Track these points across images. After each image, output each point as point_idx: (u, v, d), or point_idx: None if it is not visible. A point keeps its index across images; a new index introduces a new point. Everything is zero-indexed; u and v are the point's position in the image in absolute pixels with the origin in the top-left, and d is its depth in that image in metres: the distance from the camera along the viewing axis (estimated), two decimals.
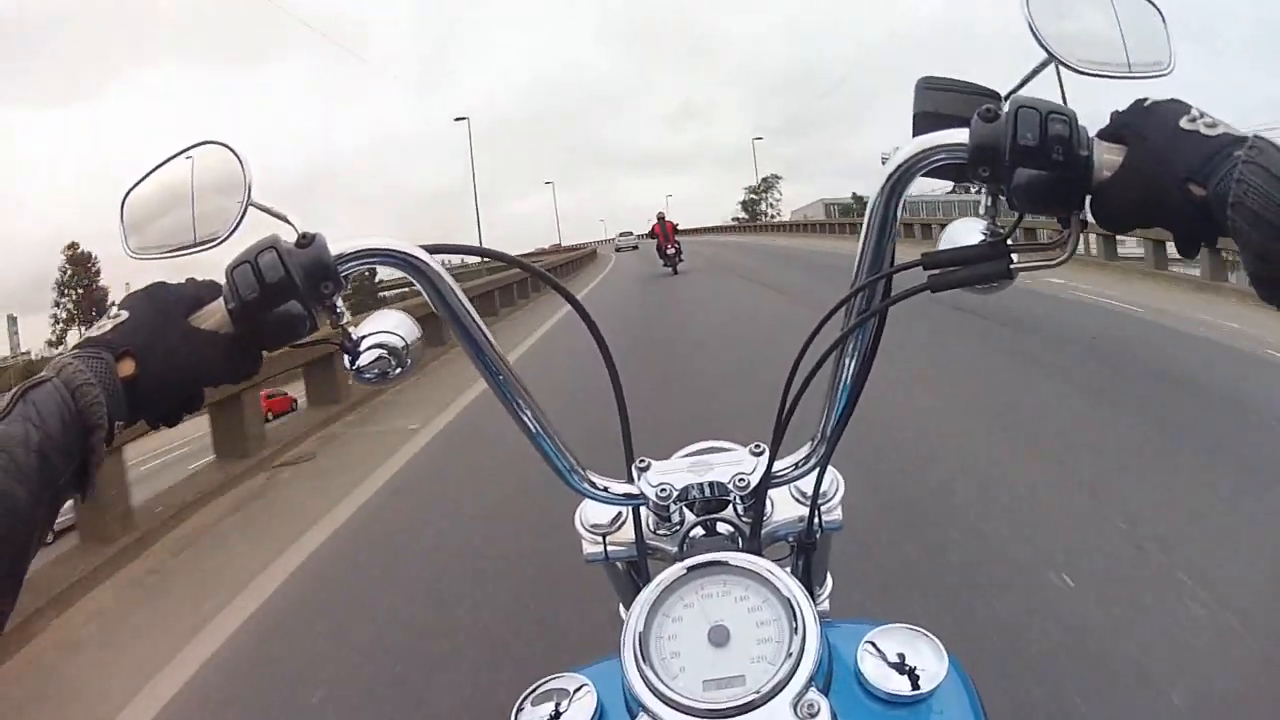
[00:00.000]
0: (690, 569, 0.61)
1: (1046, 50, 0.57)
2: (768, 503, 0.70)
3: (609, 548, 0.73)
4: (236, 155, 0.64)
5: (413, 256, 0.61)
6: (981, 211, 0.62)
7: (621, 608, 0.81)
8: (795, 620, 0.58)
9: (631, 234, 52.75)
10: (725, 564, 0.61)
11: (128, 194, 0.67)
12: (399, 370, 0.61)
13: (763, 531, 0.69)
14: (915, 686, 0.60)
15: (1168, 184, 0.51)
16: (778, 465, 0.68)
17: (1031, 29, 0.57)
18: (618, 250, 44.15)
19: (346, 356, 0.60)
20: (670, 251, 19.87)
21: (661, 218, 20.28)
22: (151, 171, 0.67)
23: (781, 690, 0.56)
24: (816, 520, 0.71)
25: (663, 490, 0.67)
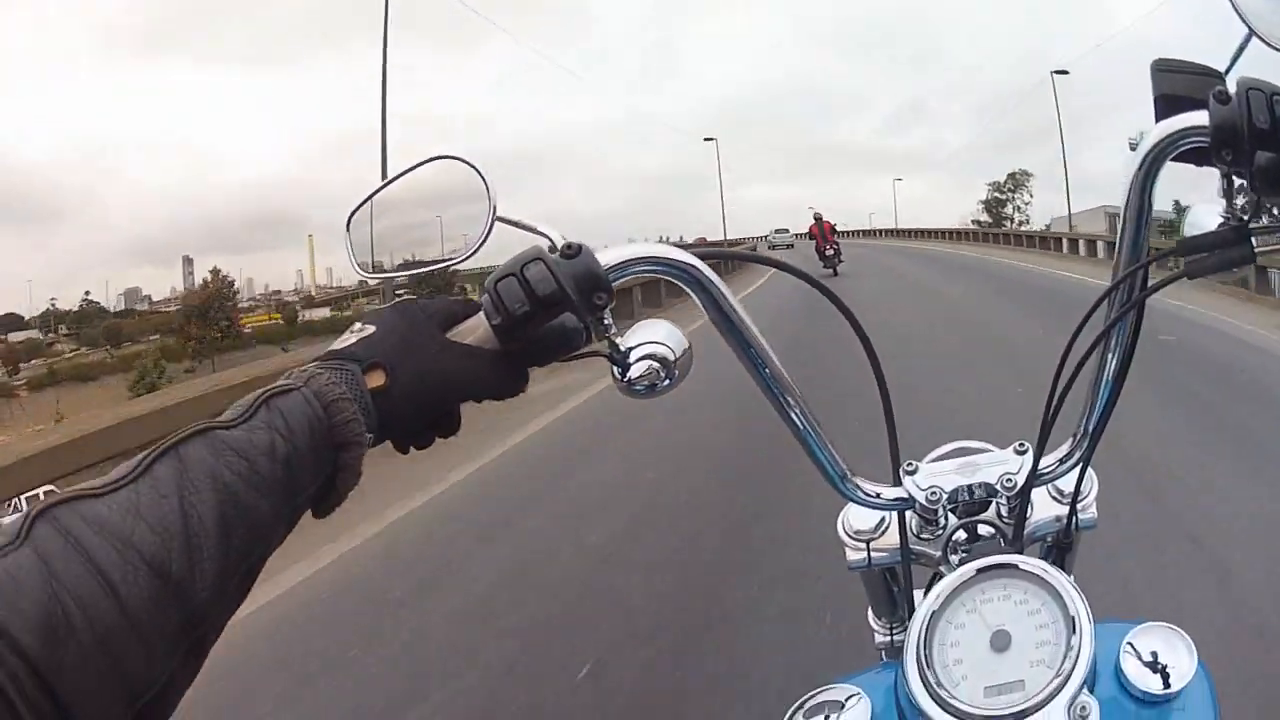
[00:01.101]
0: (979, 571, 0.60)
1: (1247, 26, 0.57)
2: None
3: (872, 554, 0.72)
4: (475, 168, 0.62)
5: (685, 264, 0.60)
6: (1219, 194, 0.61)
7: (871, 615, 0.80)
8: (1073, 623, 0.58)
9: (788, 231, 48.21)
10: (1014, 567, 0.60)
11: (351, 216, 0.66)
12: (668, 382, 0.59)
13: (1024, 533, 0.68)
14: (1166, 685, 0.60)
15: None
16: (1041, 464, 0.67)
17: (1233, 4, 0.57)
18: (771, 248, 38.70)
19: (615, 368, 0.59)
20: (829, 253, 19.07)
21: (819, 218, 19.66)
22: (376, 191, 0.66)
23: (1058, 694, 0.55)
24: (1074, 519, 0.70)
25: (932, 494, 0.67)
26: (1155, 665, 0.60)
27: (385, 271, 0.65)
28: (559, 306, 0.55)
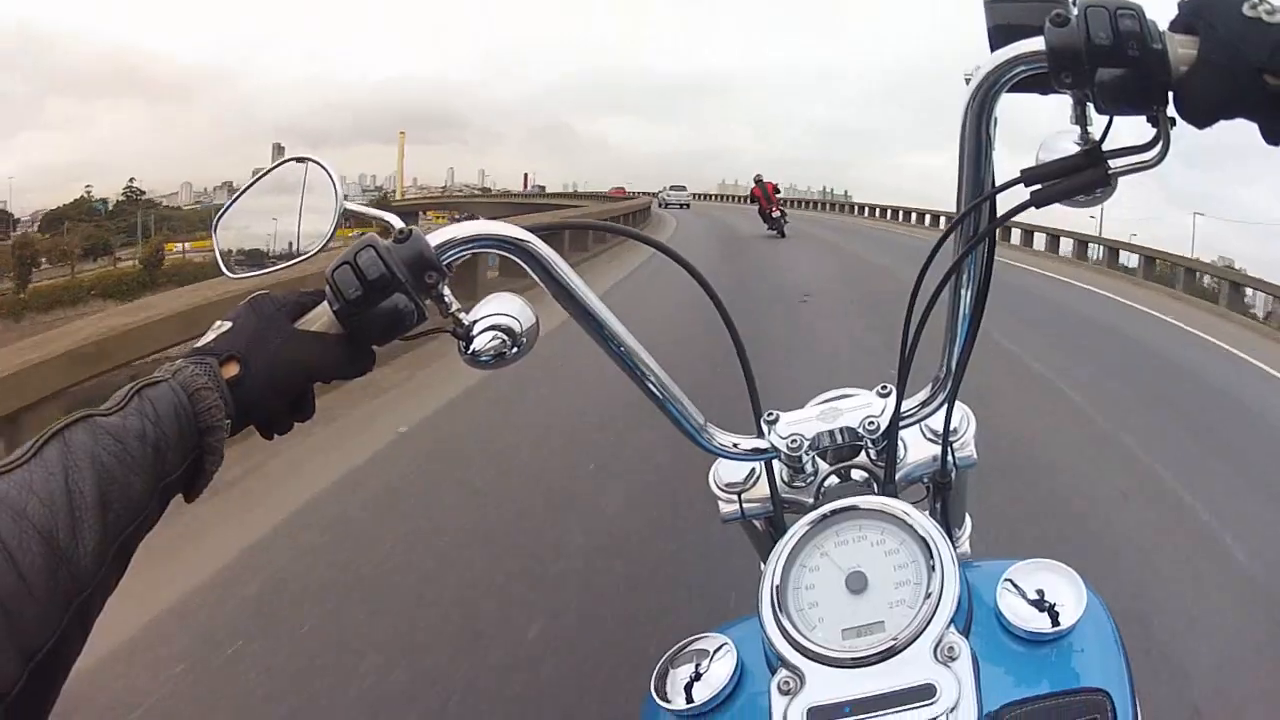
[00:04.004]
0: (823, 516, 0.61)
1: None
2: (900, 445, 0.69)
3: (744, 505, 0.73)
4: (322, 166, 0.65)
5: (516, 239, 0.61)
6: (1071, 121, 0.60)
7: (762, 565, 0.81)
8: (932, 559, 0.57)
9: (685, 189, 42.84)
10: (857, 508, 0.61)
11: (218, 219, 0.69)
12: (515, 352, 0.61)
13: (897, 475, 0.68)
14: (1055, 623, 0.59)
15: (1242, 75, 0.51)
16: (906, 404, 0.68)
17: None
18: (663, 206, 34.02)
19: (460, 342, 0.61)
20: (775, 215, 18.22)
21: (760, 180, 18.76)
22: (240, 193, 0.69)
23: (920, 635, 0.55)
24: (950, 458, 0.71)
25: (793, 441, 0.67)
26: (1042, 603, 0.60)
27: (249, 272, 0.68)
28: (389, 288, 0.58)
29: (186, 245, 47.24)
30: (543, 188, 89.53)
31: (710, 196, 52.60)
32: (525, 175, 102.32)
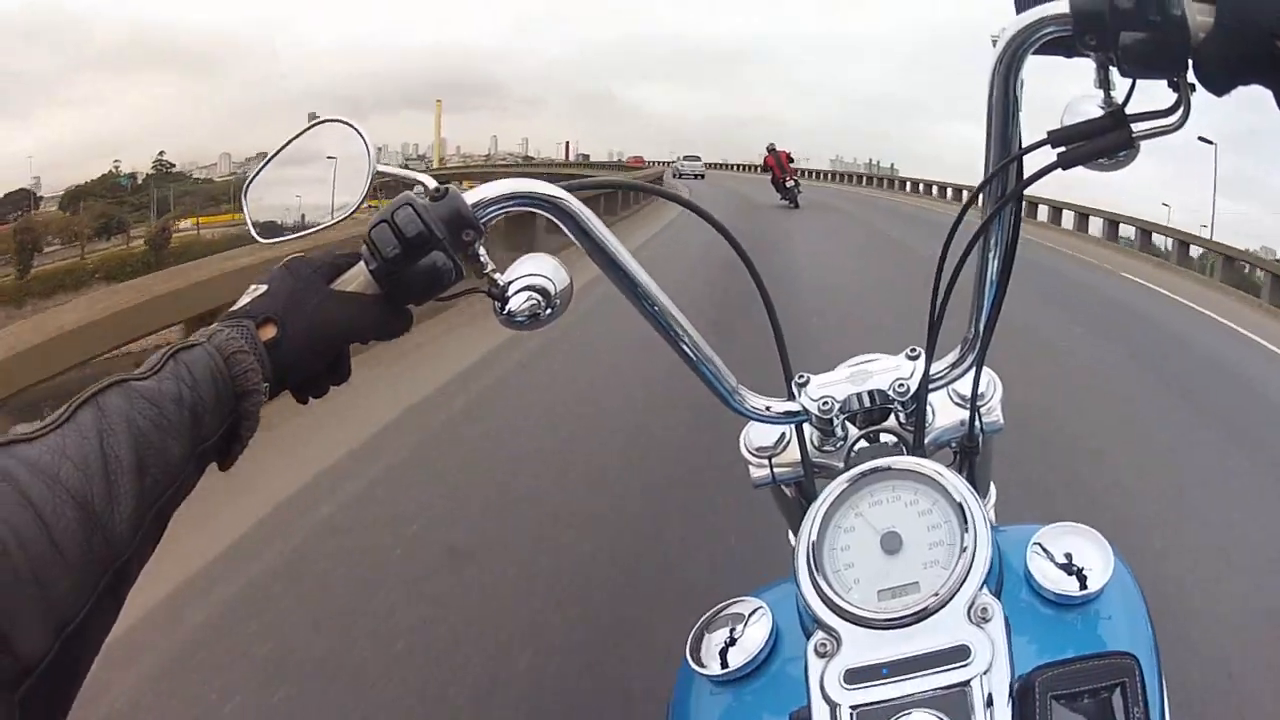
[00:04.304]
0: (858, 477, 0.61)
1: None
2: (928, 409, 0.69)
3: (775, 470, 0.73)
4: (354, 127, 0.65)
5: (554, 197, 0.61)
6: (1095, 85, 0.60)
7: (791, 533, 0.81)
8: (966, 520, 0.57)
9: (699, 159, 40.32)
10: (890, 469, 0.61)
11: (249, 184, 0.68)
12: (549, 312, 0.61)
13: (926, 439, 0.68)
14: (1083, 586, 0.59)
15: (1255, 40, 0.51)
16: (934, 367, 0.68)
17: None
18: (678, 176, 32.82)
19: (495, 303, 0.61)
20: (789, 185, 17.55)
21: (772, 149, 17.96)
22: (271, 158, 0.68)
23: (955, 595, 0.55)
24: (977, 422, 0.70)
25: (825, 404, 0.67)
26: (1070, 567, 0.60)
27: (282, 235, 0.67)
28: (427, 246, 0.57)
29: (199, 221, 46.67)
30: (586, 156, 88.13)
31: (745, 168, 45.64)
32: (566, 144, 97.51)
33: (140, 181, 61.25)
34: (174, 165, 66.24)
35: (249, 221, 0.68)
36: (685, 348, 0.66)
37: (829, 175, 36.15)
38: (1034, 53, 0.59)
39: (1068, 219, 17.44)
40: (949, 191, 23.79)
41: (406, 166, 0.66)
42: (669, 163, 42.35)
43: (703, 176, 35.33)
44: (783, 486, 0.75)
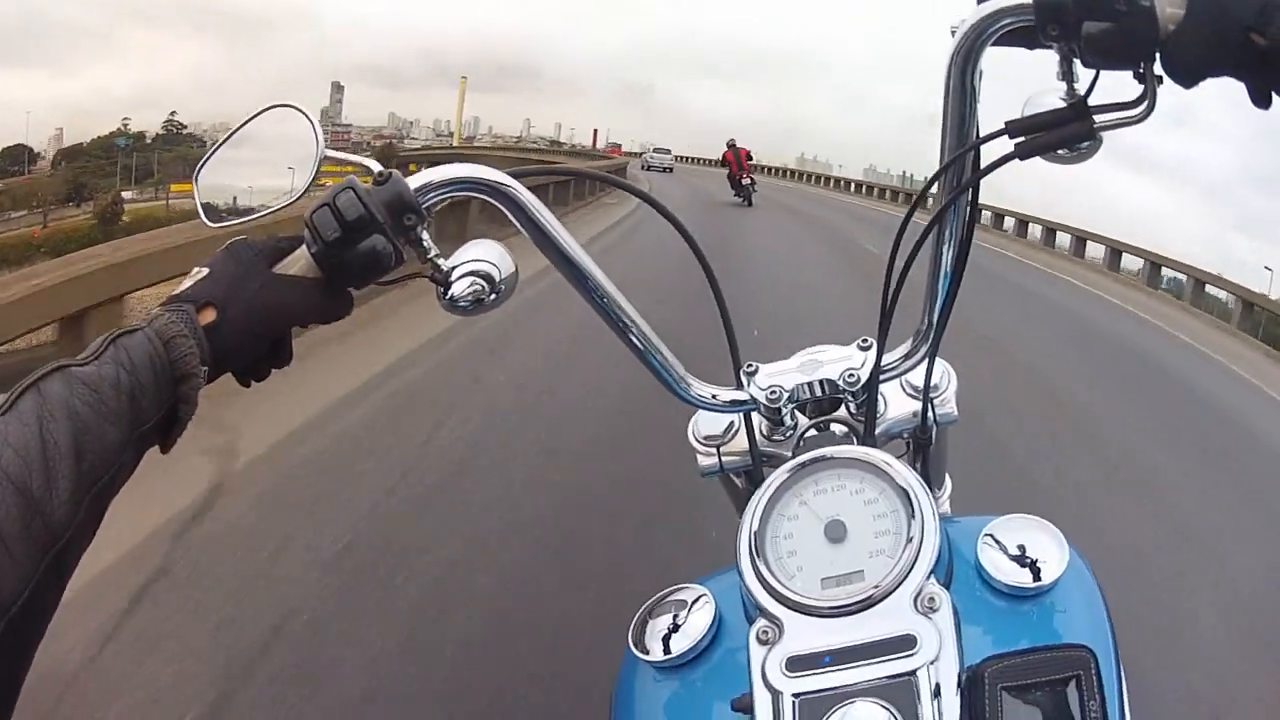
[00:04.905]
0: (802, 465, 0.60)
1: None
2: (880, 399, 0.69)
3: (723, 459, 0.72)
4: (303, 112, 0.65)
5: (498, 183, 0.61)
6: (1058, 77, 0.60)
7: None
8: (912, 509, 0.57)
9: (669, 152, 41.41)
10: (836, 457, 0.60)
11: (200, 168, 0.68)
12: (494, 298, 0.61)
13: (877, 429, 0.68)
14: (1037, 578, 0.59)
15: (1230, 34, 0.50)
16: (886, 358, 0.67)
17: None
18: (646, 168, 33.73)
19: (438, 288, 0.60)
20: (744, 182, 17.26)
21: (732, 144, 17.69)
22: (223, 141, 0.68)
23: (900, 585, 0.55)
24: (930, 414, 0.70)
25: (773, 393, 0.67)
26: (1023, 559, 0.60)
27: (231, 220, 0.67)
28: (368, 229, 0.57)
29: (167, 191, 43.82)
30: (619, 145, 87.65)
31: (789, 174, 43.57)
32: (595, 131, 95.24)
33: (150, 141, 59.76)
34: (185, 127, 64.58)
35: (198, 205, 0.68)
36: (633, 337, 0.66)
37: (861, 187, 33.77)
38: (995, 44, 0.59)
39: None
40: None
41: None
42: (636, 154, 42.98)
43: (670, 170, 36.37)
44: (732, 476, 0.74)
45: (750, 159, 18.31)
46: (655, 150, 42.09)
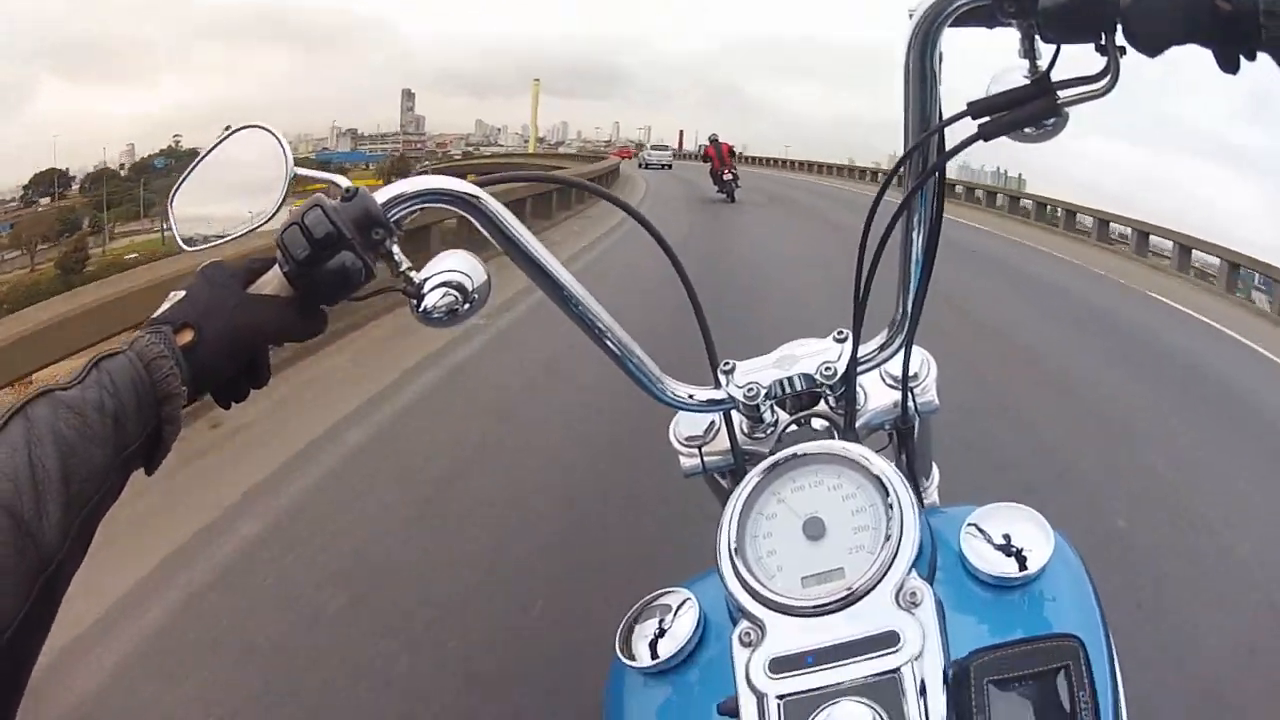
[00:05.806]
0: (776, 463, 0.60)
1: None
2: (860, 391, 0.68)
3: (706, 459, 0.72)
4: (272, 133, 0.65)
5: (464, 193, 0.61)
6: (1020, 55, 0.59)
7: None
8: (890, 501, 0.56)
9: (668, 149, 41.81)
10: (811, 454, 0.60)
11: (173, 195, 0.69)
12: (468, 308, 0.61)
13: (858, 421, 0.67)
14: (1023, 567, 0.58)
15: (1194, 1, 0.49)
16: (863, 350, 0.66)
17: None
18: (644, 167, 33.66)
19: (411, 300, 0.60)
20: (726, 177, 16.90)
21: (714, 139, 17.46)
22: (193, 167, 0.69)
23: (881, 580, 0.54)
24: (911, 403, 0.69)
25: (750, 390, 0.66)
26: (1008, 548, 0.58)
27: (205, 243, 0.67)
28: (336, 246, 0.58)
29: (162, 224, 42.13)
30: (627, 146, 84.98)
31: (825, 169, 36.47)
32: (680, 132, 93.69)
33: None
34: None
35: (175, 231, 0.68)
36: (609, 342, 0.66)
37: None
38: (954, 24, 0.58)
39: None
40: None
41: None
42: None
43: (669, 166, 36.05)
44: (715, 475, 0.74)
45: (734, 154, 18.18)
46: (653, 148, 43.42)
